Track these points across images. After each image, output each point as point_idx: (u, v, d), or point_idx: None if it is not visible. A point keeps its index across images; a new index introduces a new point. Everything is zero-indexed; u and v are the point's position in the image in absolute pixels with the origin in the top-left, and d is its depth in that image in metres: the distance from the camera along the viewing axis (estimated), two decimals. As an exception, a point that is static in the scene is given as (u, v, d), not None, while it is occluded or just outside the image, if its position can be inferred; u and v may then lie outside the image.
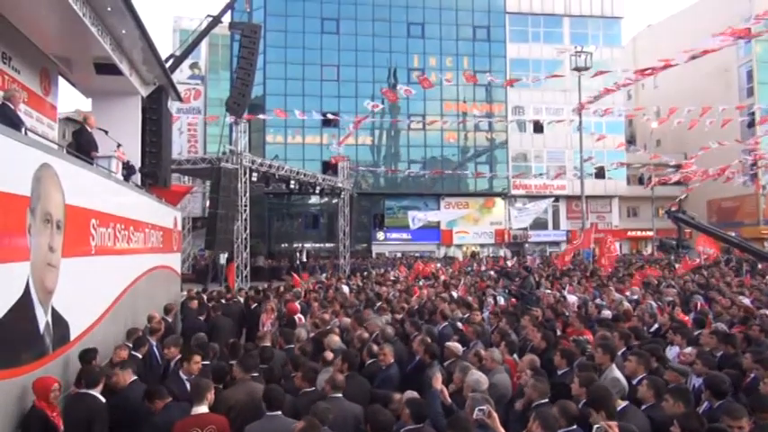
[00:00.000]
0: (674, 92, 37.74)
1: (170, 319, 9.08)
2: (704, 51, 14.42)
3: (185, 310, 10.21)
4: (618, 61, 40.83)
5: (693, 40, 14.39)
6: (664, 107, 26.86)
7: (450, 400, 4.47)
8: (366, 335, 6.89)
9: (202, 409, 4.25)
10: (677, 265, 17.98)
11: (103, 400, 4.82)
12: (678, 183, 32.60)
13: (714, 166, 25.39)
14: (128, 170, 10.00)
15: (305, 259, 30.11)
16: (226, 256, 22.46)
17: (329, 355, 5.71)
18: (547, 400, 4.38)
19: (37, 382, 4.62)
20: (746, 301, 10.28)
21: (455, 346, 6.03)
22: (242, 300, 11.62)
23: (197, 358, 5.56)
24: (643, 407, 4.34)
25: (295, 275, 18.30)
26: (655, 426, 4.14)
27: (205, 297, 11.80)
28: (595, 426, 3.54)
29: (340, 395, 4.62)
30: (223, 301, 11.58)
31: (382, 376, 5.67)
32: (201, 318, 9.52)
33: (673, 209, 19.98)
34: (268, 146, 36.45)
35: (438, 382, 4.51)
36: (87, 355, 5.59)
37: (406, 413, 4.00)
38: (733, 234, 19.93)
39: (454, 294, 11.85)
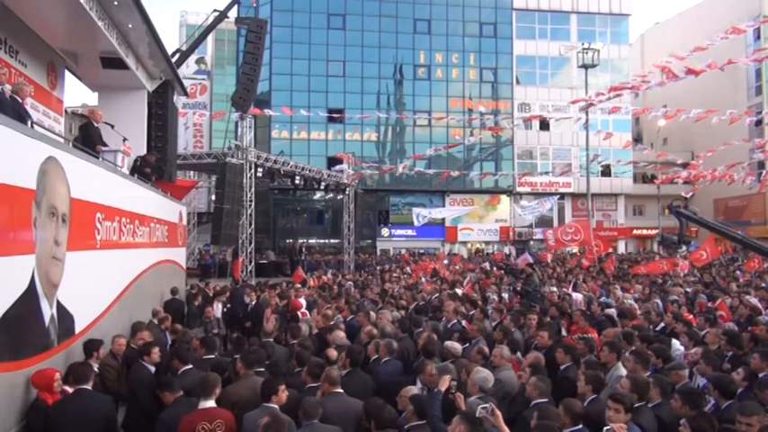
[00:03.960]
0: (681, 90, 37.37)
1: (178, 297, 9.18)
2: (730, 61, 14.21)
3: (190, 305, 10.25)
4: (625, 59, 40.62)
5: (702, 38, 14.15)
6: (671, 105, 26.59)
7: (464, 405, 4.10)
8: (375, 331, 6.86)
9: (210, 403, 4.23)
10: (682, 263, 17.72)
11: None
12: (686, 182, 32.36)
13: (721, 165, 25.17)
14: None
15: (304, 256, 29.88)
16: (231, 250, 22.49)
17: (332, 354, 5.62)
18: (547, 399, 4.31)
19: (37, 375, 4.61)
20: (754, 300, 10.21)
21: (453, 346, 5.86)
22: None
23: (155, 349, 5.67)
24: (650, 405, 4.28)
25: (300, 270, 18.29)
26: (662, 424, 4.10)
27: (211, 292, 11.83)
28: (605, 429, 3.51)
29: (341, 391, 4.58)
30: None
31: (377, 371, 5.64)
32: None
33: (675, 203, 19.85)
34: (273, 141, 36.40)
35: (444, 383, 4.25)
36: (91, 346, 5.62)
37: (410, 409, 3.96)
38: (740, 232, 19.79)
39: (458, 292, 11.83)
